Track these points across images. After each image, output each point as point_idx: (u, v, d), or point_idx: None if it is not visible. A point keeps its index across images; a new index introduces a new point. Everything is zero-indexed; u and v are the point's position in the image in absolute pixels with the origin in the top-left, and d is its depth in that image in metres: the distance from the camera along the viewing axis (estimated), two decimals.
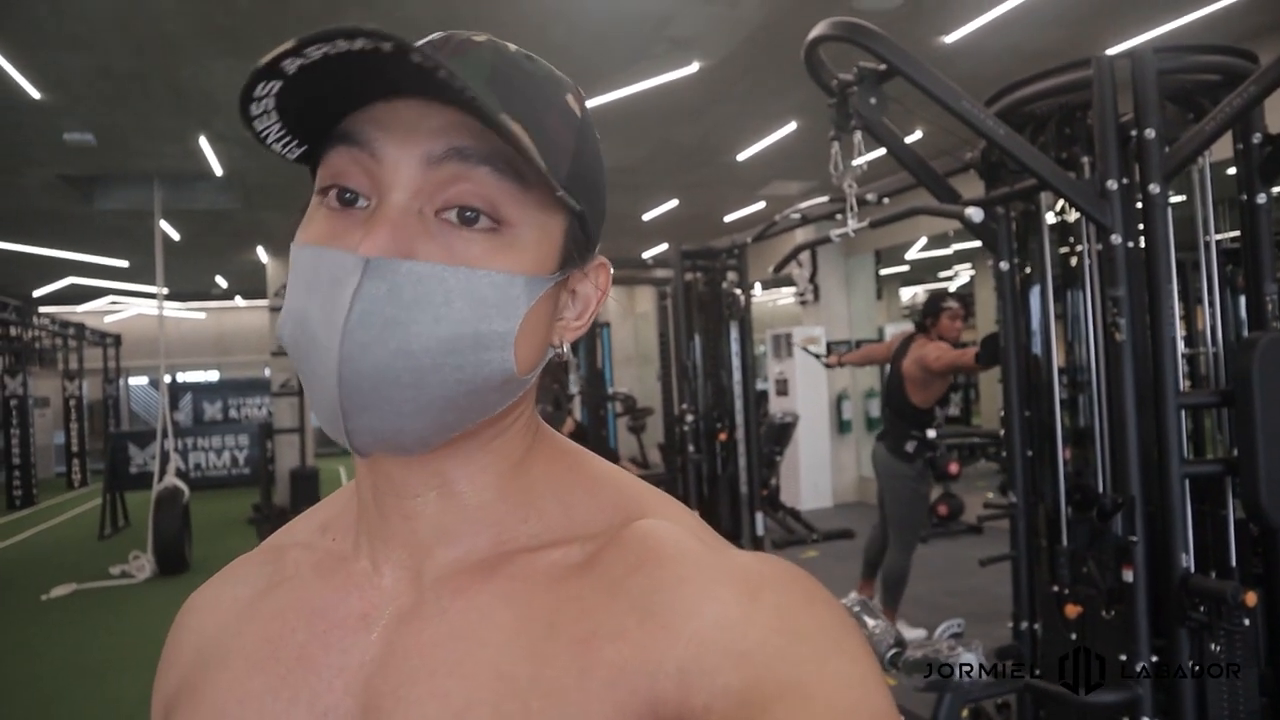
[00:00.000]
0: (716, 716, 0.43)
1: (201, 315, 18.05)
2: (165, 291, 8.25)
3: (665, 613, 0.46)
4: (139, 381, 18.12)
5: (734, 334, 6.65)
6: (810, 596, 0.48)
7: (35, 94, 5.73)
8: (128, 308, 16.97)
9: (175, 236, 10.08)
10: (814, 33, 2.54)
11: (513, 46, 0.52)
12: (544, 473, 0.56)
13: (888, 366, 5.18)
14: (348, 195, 0.49)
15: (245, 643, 0.56)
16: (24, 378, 12.84)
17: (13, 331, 13.33)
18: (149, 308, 15.74)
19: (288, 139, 0.49)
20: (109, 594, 6.75)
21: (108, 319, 17.16)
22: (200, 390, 14.53)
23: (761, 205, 10.09)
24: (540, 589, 0.50)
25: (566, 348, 0.55)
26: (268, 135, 0.49)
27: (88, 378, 15.29)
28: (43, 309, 14.46)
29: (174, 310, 16.93)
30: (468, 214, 0.48)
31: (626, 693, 0.45)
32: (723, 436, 6.61)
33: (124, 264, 12.07)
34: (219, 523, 9.60)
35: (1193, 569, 2.45)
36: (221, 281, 15.08)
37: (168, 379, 8.85)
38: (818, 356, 6.27)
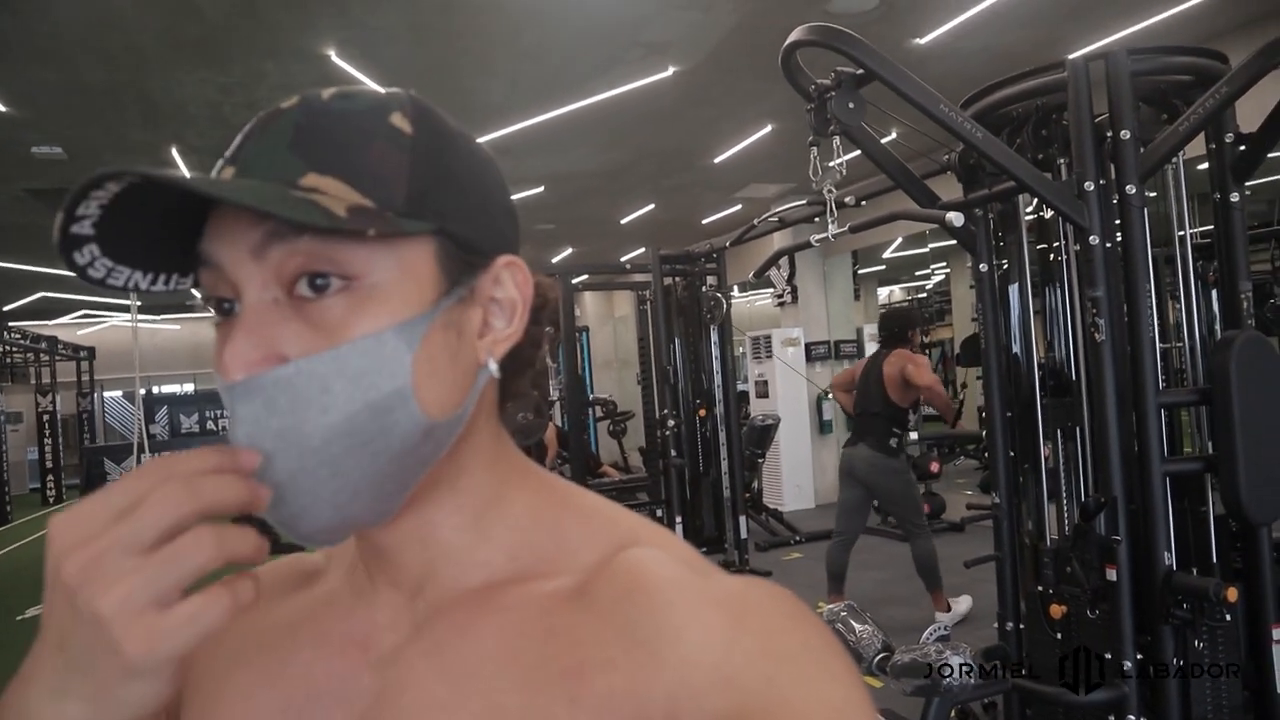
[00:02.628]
0: None
1: (176, 327, 17.86)
2: (139, 304, 8.14)
3: (652, 640, 0.47)
4: (114, 395, 17.89)
5: (714, 337, 6.66)
6: (795, 619, 0.48)
7: (1, 108, 5.64)
8: (102, 321, 16.75)
9: None
10: (790, 38, 2.54)
11: (328, 93, 0.51)
12: (531, 507, 0.56)
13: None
14: (225, 305, 0.50)
15: (261, 653, 0.57)
16: None
17: None
18: (123, 320, 15.55)
19: (164, 275, 0.52)
20: None
21: (81, 332, 16.92)
22: (176, 402, 14.35)
23: (739, 208, 10.11)
24: (532, 620, 0.50)
25: (493, 365, 0.53)
26: (134, 283, 0.50)
27: (61, 392, 15.08)
28: (13, 324, 14.24)
29: (148, 322, 16.74)
30: (317, 281, 0.47)
31: None
32: (702, 412, 6.63)
33: None
34: None
35: (1174, 566, 2.47)
36: (197, 293, 14.91)
37: (143, 392, 8.65)
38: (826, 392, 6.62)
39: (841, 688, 0.45)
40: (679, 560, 0.52)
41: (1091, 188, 2.44)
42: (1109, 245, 2.47)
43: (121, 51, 5.01)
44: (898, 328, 5.15)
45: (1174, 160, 2.65)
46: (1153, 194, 2.80)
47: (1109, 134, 2.49)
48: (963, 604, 4.95)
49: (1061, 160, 2.64)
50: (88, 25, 4.64)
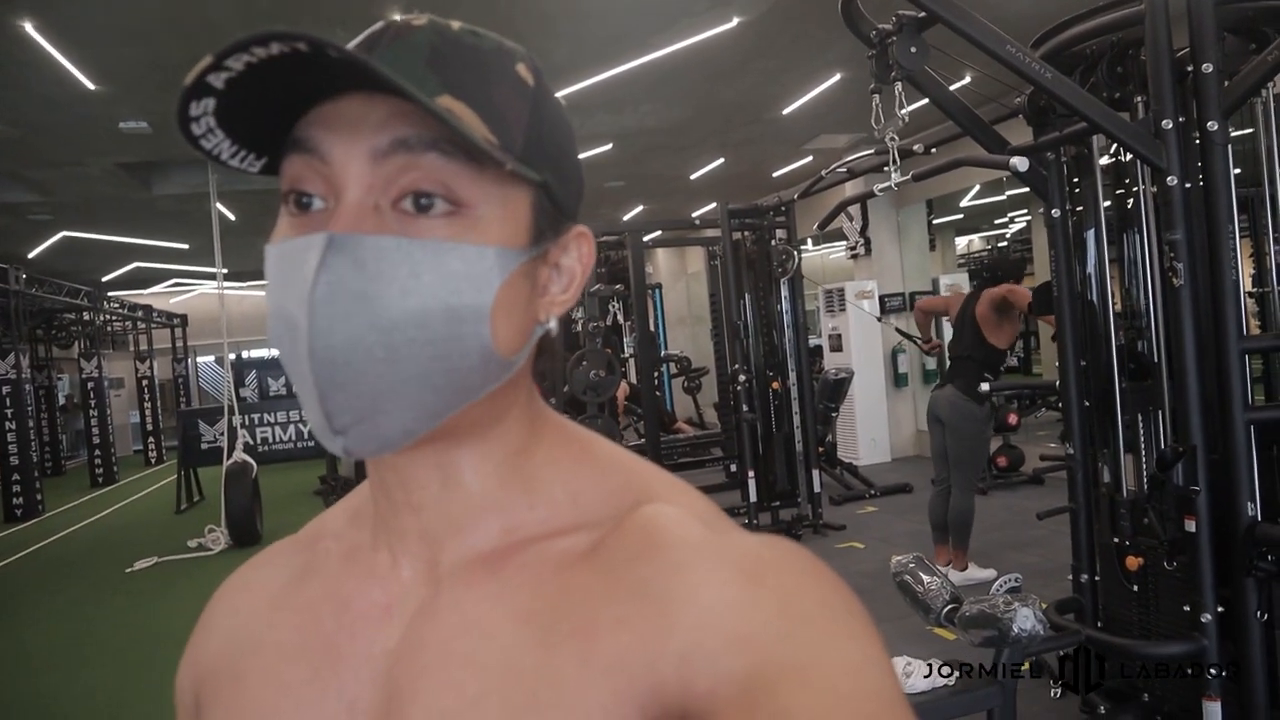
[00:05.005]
0: (720, 701, 0.43)
1: (262, 294, 18.43)
2: (225, 272, 8.44)
3: (664, 599, 0.46)
4: (206, 360, 18.62)
5: (785, 292, 6.60)
6: (814, 578, 0.47)
7: (90, 85, 5.87)
8: (192, 289, 17.44)
9: (231, 218, 10.29)
10: None
11: (456, 24, 0.51)
12: (549, 459, 0.56)
13: (945, 320, 5.38)
14: (304, 199, 0.48)
15: (278, 633, 0.57)
16: (99, 360, 13.31)
17: (86, 316, 13.83)
18: (212, 288, 16.15)
19: (243, 153, 0.49)
20: (187, 565, 7.03)
21: (173, 300, 17.67)
22: (264, 366, 14.83)
23: (809, 160, 9.93)
24: (547, 578, 0.50)
25: (554, 323, 0.54)
26: (219, 152, 0.48)
27: (158, 358, 15.82)
28: (112, 294, 14.93)
29: (235, 289, 17.34)
30: (422, 200, 0.46)
31: (625, 680, 0.45)
32: (775, 385, 6.60)
33: (184, 246, 12.38)
34: (288, 495, 9.89)
35: (1259, 518, 2.39)
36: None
37: (232, 356, 9.04)
38: (914, 340, 6.56)
39: (859, 646, 0.44)
40: (695, 517, 0.51)
41: (1170, 126, 2.33)
42: (1188, 186, 2.36)
43: (198, 27, 5.15)
44: (1002, 273, 5.03)
45: (1263, 93, 2.52)
46: (1249, 131, 2.67)
47: (1190, 68, 2.37)
48: (983, 573, 4.88)
49: (1139, 99, 2.53)
50: (166, 3, 4.80)
